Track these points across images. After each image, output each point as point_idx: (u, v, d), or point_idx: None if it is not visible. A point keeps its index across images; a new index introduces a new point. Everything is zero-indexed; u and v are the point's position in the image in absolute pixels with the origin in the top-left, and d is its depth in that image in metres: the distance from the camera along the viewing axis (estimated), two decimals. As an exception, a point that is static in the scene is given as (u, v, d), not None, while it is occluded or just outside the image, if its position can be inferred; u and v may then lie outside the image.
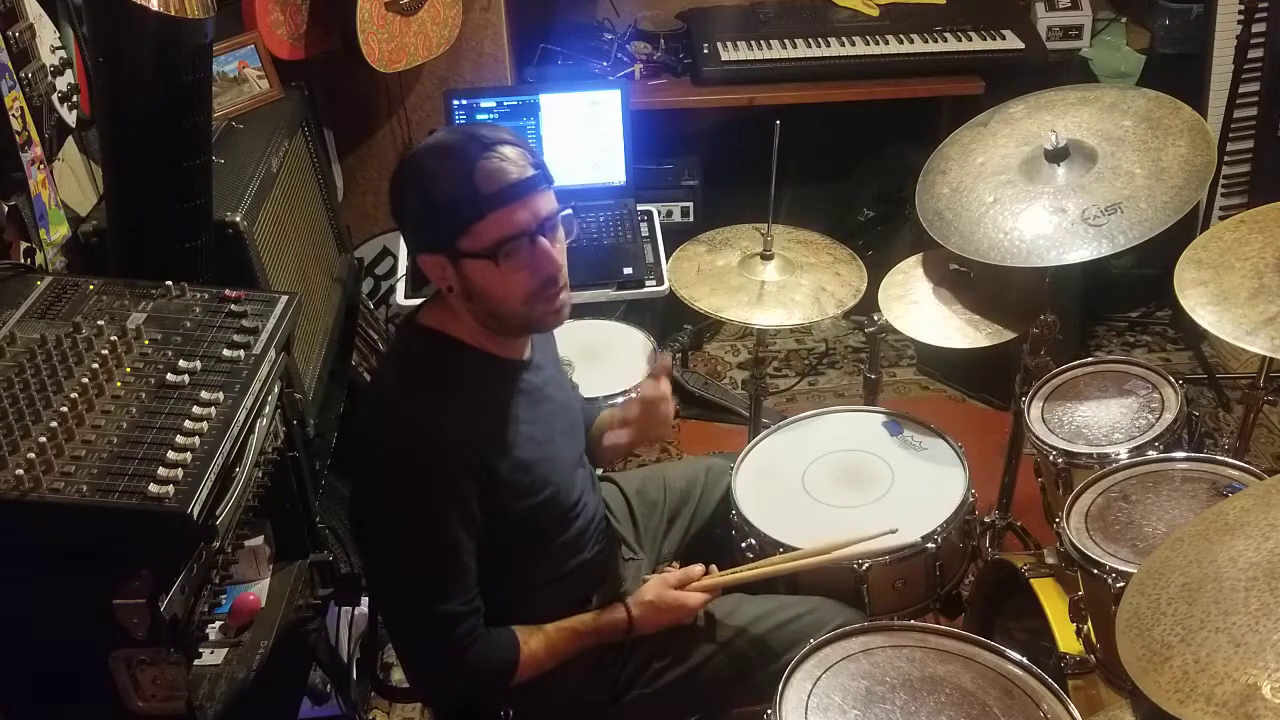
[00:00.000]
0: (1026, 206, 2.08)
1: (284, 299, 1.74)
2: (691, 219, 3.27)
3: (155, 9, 1.59)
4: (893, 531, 1.80)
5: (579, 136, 2.76)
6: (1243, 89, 3.14)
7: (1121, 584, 1.61)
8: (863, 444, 2.11)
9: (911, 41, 3.22)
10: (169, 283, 1.68)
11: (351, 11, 2.59)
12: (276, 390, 1.70)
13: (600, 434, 1.92)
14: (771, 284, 2.31)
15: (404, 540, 1.59)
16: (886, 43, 3.22)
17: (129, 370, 1.51)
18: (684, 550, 2.04)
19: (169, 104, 1.66)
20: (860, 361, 3.33)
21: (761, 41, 3.24)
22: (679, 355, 3.39)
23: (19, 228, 1.82)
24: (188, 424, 1.43)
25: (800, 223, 2.51)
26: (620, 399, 2.27)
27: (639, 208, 2.78)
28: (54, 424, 1.38)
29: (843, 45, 3.21)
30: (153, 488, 1.32)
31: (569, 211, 1.59)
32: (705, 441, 3.15)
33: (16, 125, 1.79)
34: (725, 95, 3.21)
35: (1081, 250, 1.99)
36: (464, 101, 2.73)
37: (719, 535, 2.02)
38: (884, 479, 2.02)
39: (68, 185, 2.00)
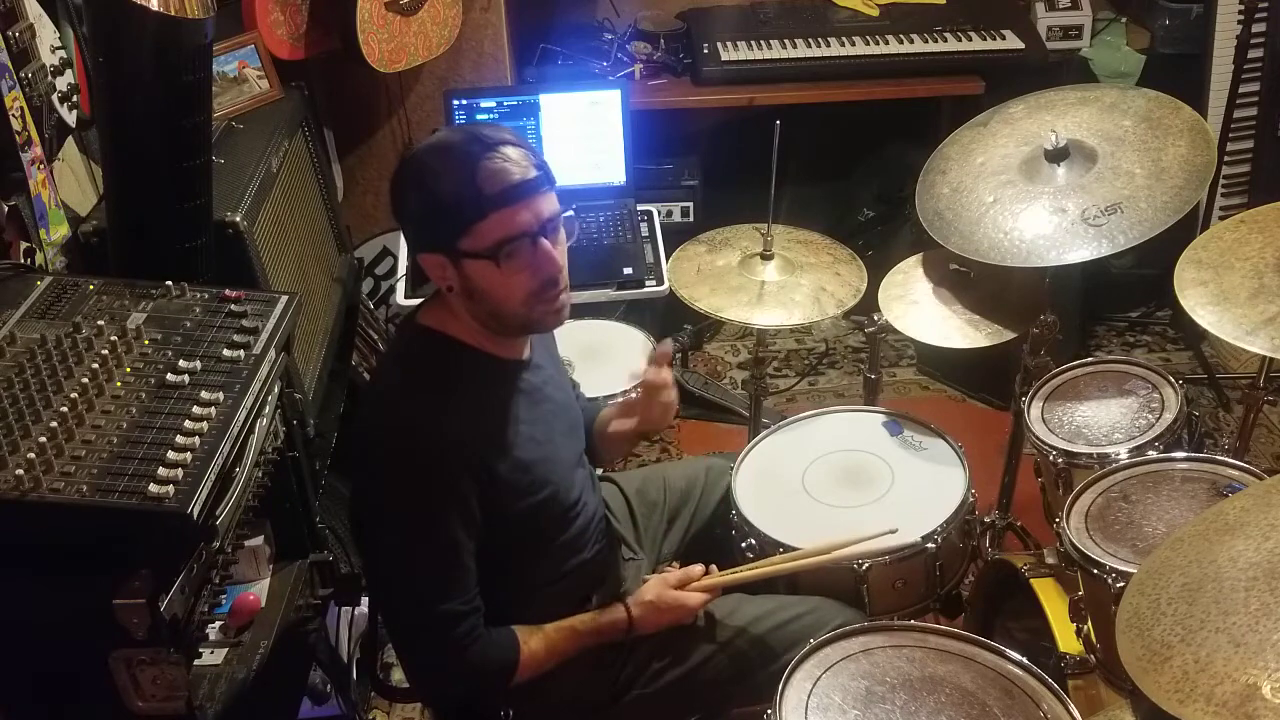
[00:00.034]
0: (1026, 206, 2.08)
1: (284, 299, 1.74)
2: (691, 219, 3.27)
3: (155, 9, 1.59)
4: (893, 531, 1.80)
5: (579, 136, 2.76)
6: (1243, 89, 3.14)
7: (1121, 584, 1.61)
8: (863, 444, 2.11)
9: (911, 41, 3.22)
10: (169, 283, 1.68)
11: (351, 11, 2.59)
12: (276, 390, 1.70)
13: (605, 426, 1.92)
14: (771, 284, 2.31)
15: (404, 540, 1.59)
16: (886, 43, 3.22)
17: (129, 370, 1.51)
18: (684, 550, 2.04)
19: (169, 104, 1.66)
20: (860, 361, 3.33)
21: (761, 41, 3.24)
22: (679, 355, 3.39)
23: (19, 228, 1.82)
24: (188, 424, 1.43)
25: (800, 223, 2.51)
26: (620, 399, 2.27)
27: (639, 208, 2.78)
28: (54, 424, 1.38)
29: (843, 45, 3.21)
30: (153, 488, 1.32)
31: (570, 213, 1.59)
32: (705, 441, 3.15)
33: (16, 125, 1.79)
34: (725, 95, 3.21)
35: (1081, 250, 1.99)
36: (464, 101, 2.73)
37: (719, 535, 2.02)
38: (884, 479, 2.02)
39: (68, 185, 2.00)
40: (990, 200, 2.12)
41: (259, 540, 1.88)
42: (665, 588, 1.76)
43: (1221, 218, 3.17)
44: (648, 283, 2.56)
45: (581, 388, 2.11)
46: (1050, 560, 1.97)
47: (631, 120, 2.77)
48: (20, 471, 1.30)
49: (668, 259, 2.49)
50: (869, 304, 2.34)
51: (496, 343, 1.65)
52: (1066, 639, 1.85)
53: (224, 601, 1.64)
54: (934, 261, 2.35)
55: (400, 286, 2.57)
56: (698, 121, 3.48)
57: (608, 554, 1.88)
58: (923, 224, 2.19)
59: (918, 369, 3.49)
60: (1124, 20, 3.42)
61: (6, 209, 1.78)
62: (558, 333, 1.78)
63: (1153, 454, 1.88)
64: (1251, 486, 1.53)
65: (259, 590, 1.87)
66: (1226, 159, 3.22)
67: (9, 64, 1.79)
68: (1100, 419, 2.03)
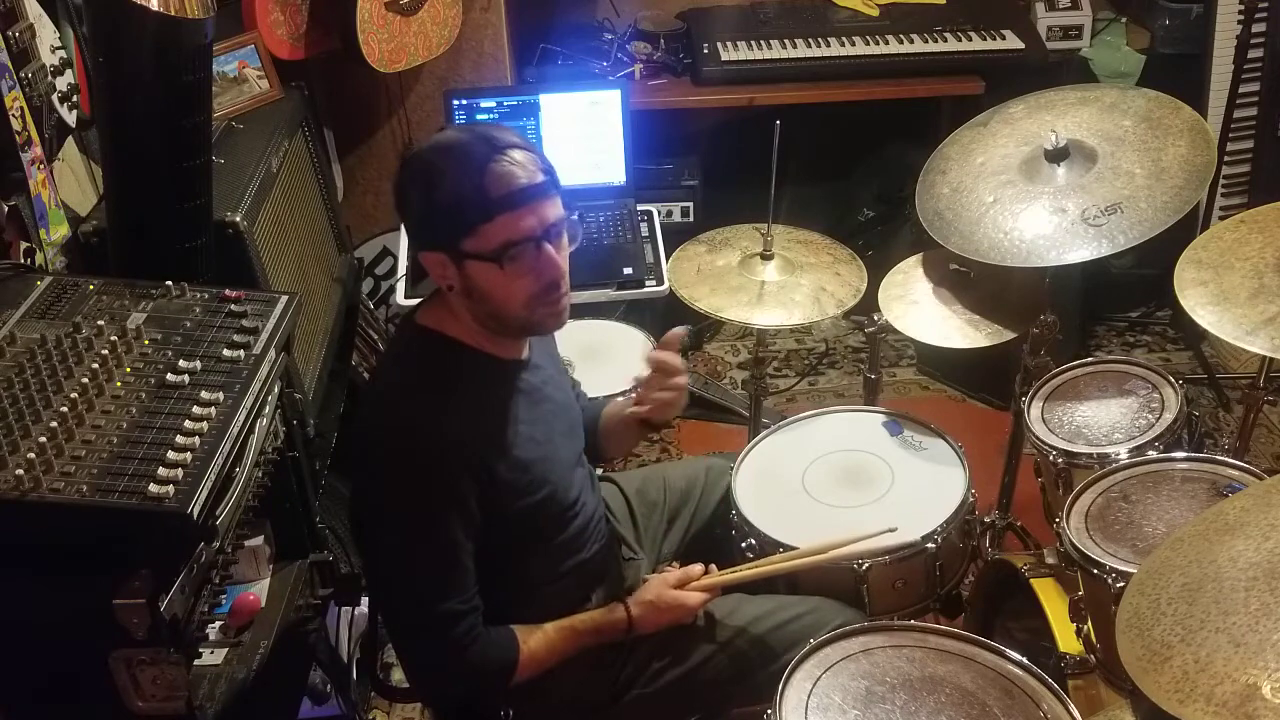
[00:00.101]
0: (1026, 206, 2.08)
1: (284, 299, 1.74)
2: (691, 219, 3.27)
3: (155, 9, 1.59)
4: (892, 530, 1.80)
5: (579, 136, 2.76)
6: (1243, 89, 3.14)
7: (1121, 584, 1.61)
8: (863, 444, 2.11)
9: (911, 41, 3.22)
10: (169, 283, 1.68)
11: (351, 11, 2.59)
12: (276, 390, 1.70)
13: (610, 421, 1.92)
14: (771, 284, 2.31)
15: (404, 540, 1.59)
16: (886, 43, 3.22)
17: (129, 370, 1.51)
18: (684, 550, 2.04)
19: (169, 104, 1.66)
20: (860, 361, 3.33)
21: (761, 41, 3.24)
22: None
23: (19, 228, 1.82)
24: (188, 424, 1.43)
25: (800, 223, 2.51)
26: (619, 399, 2.27)
27: (639, 208, 2.78)
28: (54, 424, 1.38)
29: (843, 45, 3.21)
30: (153, 488, 1.32)
31: (575, 217, 1.59)
32: (705, 441, 3.15)
33: (16, 125, 1.79)
34: (725, 95, 3.21)
35: (1081, 250, 1.99)
36: (464, 101, 2.73)
37: (719, 535, 2.02)
38: (884, 479, 2.02)
39: (68, 185, 2.00)
40: (990, 200, 2.12)
41: (259, 540, 1.88)
42: (665, 587, 1.75)
43: (1221, 218, 3.17)
44: (648, 283, 2.56)
45: (582, 387, 2.11)
46: (1050, 560, 1.97)
47: (631, 120, 2.77)
48: (20, 471, 1.30)
49: (668, 259, 2.48)
50: (869, 304, 2.34)
51: (496, 343, 1.65)
52: (1066, 639, 1.85)
53: (224, 601, 1.64)
54: (934, 261, 2.35)
55: (400, 286, 2.57)
56: (698, 121, 3.48)
57: (607, 554, 1.88)
58: (923, 224, 2.19)
59: (918, 369, 3.49)
60: (1124, 20, 3.42)
61: (6, 209, 1.78)
62: (558, 333, 1.78)
63: (1153, 454, 1.88)
64: (1251, 486, 1.53)
65: (259, 590, 1.87)
66: (1226, 159, 3.22)
67: (9, 64, 1.79)
68: (1100, 419, 2.03)
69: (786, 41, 3.23)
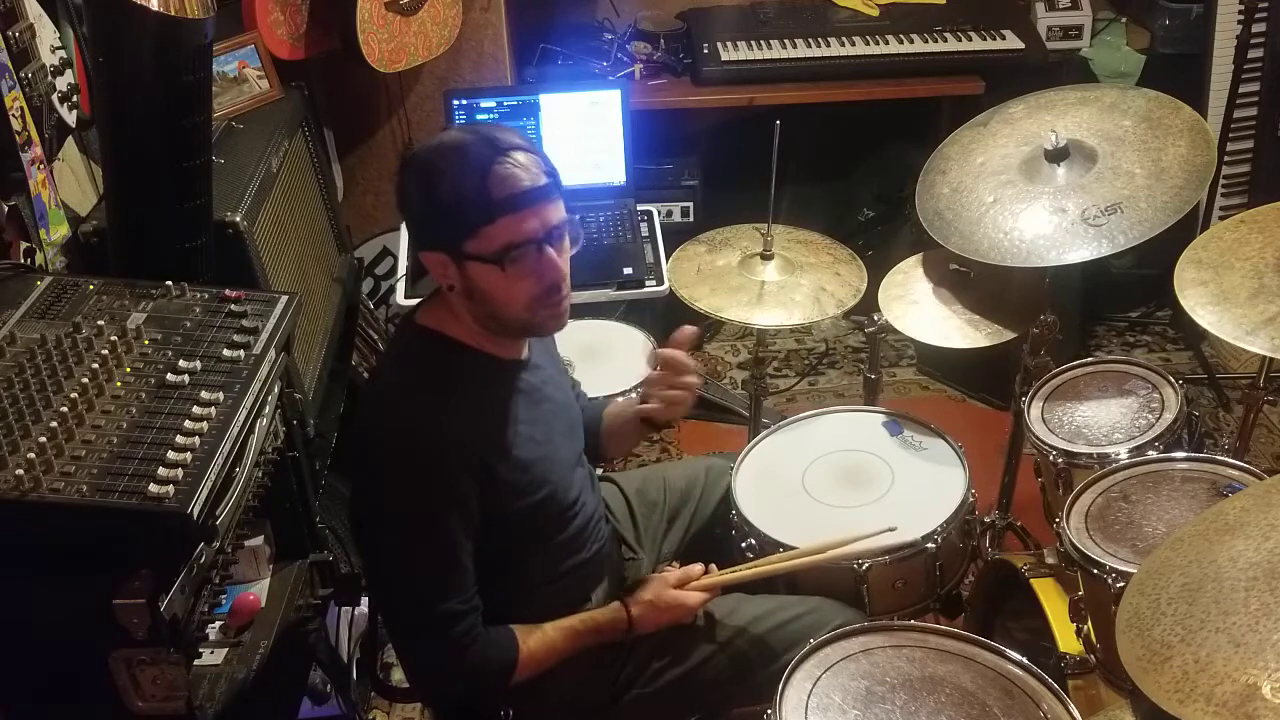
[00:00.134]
0: (1026, 206, 2.08)
1: (284, 299, 1.74)
2: (691, 219, 3.27)
3: (155, 9, 1.59)
4: (892, 530, 1.80)
5: (579, 136, 2.76)
6: (1243, 89, 3.14)
7: (1121, 584, 1.61)
8: (863, 444, 2.11)
9: (911, 41, 3.22)
10: (169, 283, 1.68)
11: (351, 11, 2.59)
12: (276, 390, 1.70)
13: (613, 420, 1.92)
14: (771, 284, 2.31)
15: (404, 540, 1.59)
16: (886, 43, 3.22)
17: (129, 370, 1.51)
18: (684, 550, 2.04)
19: (169, 104, 1.66)
20: (860, 361, 3.33)
21: (761, 41, 3.24)
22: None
23: (19, 228, 1.82)
24: (188, 424, 1.43)
25: (800, 223, 2.51)
26: (620, 399, 2.27)
27: (639, 208, 2.78)
28: (54, 424, 1.38)
29: (843, 45, 3.21)
30: (153, 488, 1.32)
31: (576, 219, 1.59)
32: (705, 441, 3.15)
33: (16, 125, 1.79)
34: (725, 95, 3.21)
35: (1081, 250, 1.99)
36: (464, 101, 2.73)
37: (719, 535, 2.02)
38: (884, 479, 2.02)
39: (68, 185, 2.00)
40: (990, 200, 2.12)
41: (259, 540, 1.88)
42: (665, 587, 1.75)
43: (1221, 218, 3.17)
44: (648, 283, 2.56)
45: (582, 387, 2.11)
46: (1050, 560, 1.97)
47: (631, 120, 2.77)
48: (20, 471, 1.30)
49: (668, 259, 2.48)
50: (869, 304, 2.34)
51: (495, 343, 1.65)
52: (1066, 639, 1.85)
53: (224, 601, 1.64)
54: (934, 261, 2.35)
55: (400, 286, 2.56)
56: (698, 121, 3.48)
57: (607, 553, 1.88)
58: (923, 224, 2.19)
59: (918, 369, 3.49)
60: (1124, 20, 3.42)
61: (6, 209, 1.78)
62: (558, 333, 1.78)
63: (1153, 454, 1.88)
64: (1251, 486, 1.53)
65: (259, 590, 1.87)
66: (1226, 159, 3.22)
67: (9, 64, 1.79)
68: (1100, 419, 2.03)
69: (786, 41, 3.23)
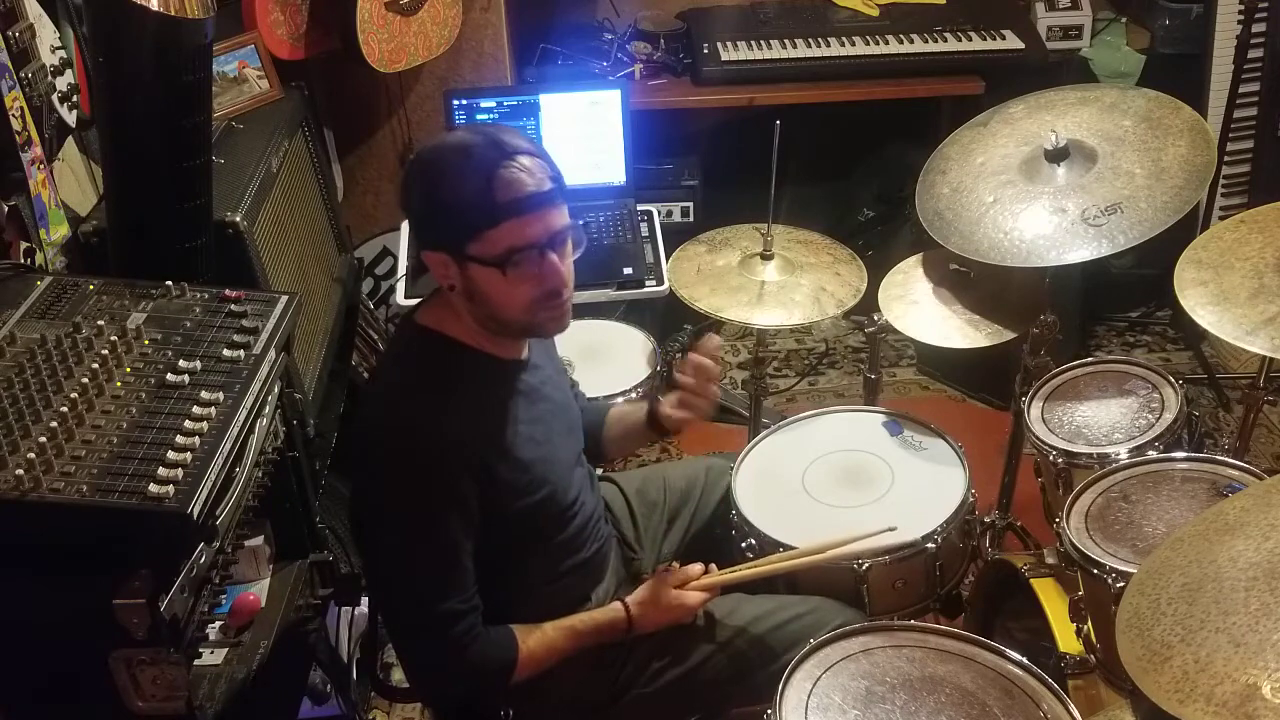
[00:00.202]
0: (1026, 206, 2.08)
1: (284, 299, 1.74)
2: (691, 219, 3.27)
3: (155, 9, 1.59)
4: (892, 529, 1.80)
5: (579, 136, 2.76)
6: (1243, 89, 3.14)
7: (1121, 584, 1.61)
8: (863, 444, 2.11)
9: (911, 41, 3.22)
10: (169, 283, 1.68)
11: (351, 11, 2.59)
12: (276, 390, 1.70)
13: (618, 422, 1.93)
14: (771, 284, 2.31)
15: (404, 540, 1.59)
16: (886, 43, 3.22)
17: (129, 370, 1.51)
18: (684, 550, 2.04)
19: (169, 104, 1.66)
20: (860, 361, 3.33)
21: (761, 41, 3.24)
22: (679, 355, 3.39)
23: (19, 228, 1.82)
24: (188, 424, 1.43)
25: (800, 223, 2.51)
26: (620, 399, 2.28)
27: (639, 208, 2.78)
28: (54, 424, 1.38)
29: (843, 45, 3.21)
30: (153, 488, 1.32)
31: (580, 224, 1.60)
32: (705, 441, 3.15)
33: (16, 125, 1.79)
34: (725, 95, 3.21)
35: (1081, 250, 1.99)
36: (464, 101, 2.73)
37: (719, 535, 2.02)
38: (884, 479, 2.02)
39: (68, 185, 2.00)
40: (990, 200, 2.12)
41: (259, 540, 1.88)
42: (664, 587, 1.75)
43: (1221, 218, 3.17)
44: (648, 283, 2.56)
45: (581, 387, 2.11)
46: (1050, 560, 1.97)
47: (631, 120, 2.77)
48: (20, 471, 1.30)
49: (668, 259, 2.48)
50: (869, 304, 2.34)
51: (495, 343, 1.65)
52: (1066, 639, 1.85)
53: (224, 601, 1.64)
54: (934, 261, 2.35)
55: (400, 286, 2.56)
56: (698, 121, 3.48)
57: (607, 553, 1.88)
58: (923, 224, 2.19)
59: (918, 369, 3.49)
60: (1124, 20, 3.42)
61: (6, 209, 1.78)
62: (558, 333, 1.78)
63: (1153, 454, 1.88)
64: (1251, 486, 1.53)
65: (259, 590, 1.87)
66: (1226, 159, 3.22)
67: (9, 64, 1.79)
68: (1100, 419, 2.03)
69: (786, 41, 3.23)
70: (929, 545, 1.87)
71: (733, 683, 1.78)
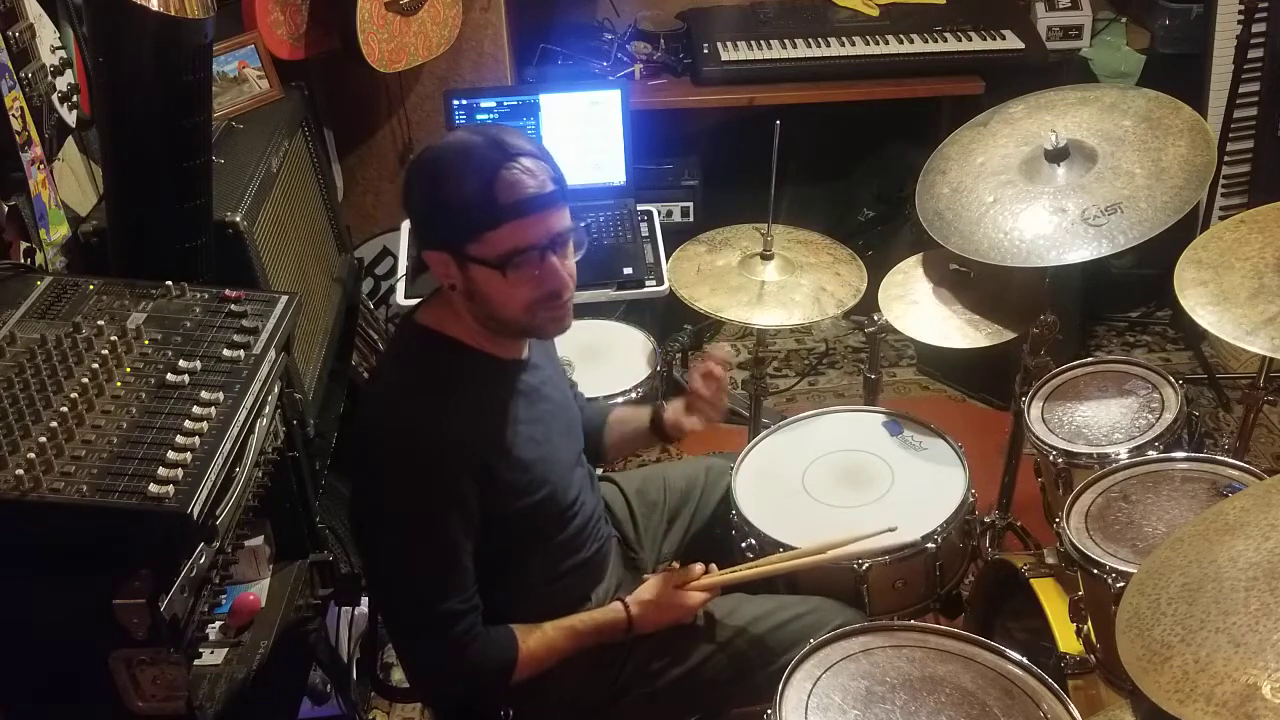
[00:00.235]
0: (1026, 206, 2.08)
1: (284, 299, 1.74)
2: (691, 219, 3.26)
3: (155, 9, 1.59)
4: (892, 529, 1.80)
5: (579, 136, 2.76)
6: (1243, 89, 3.14)
7: (1121, 584, 1.61)
8: (863, 444, 2.11)
9: (911, 41, 3.22)
10: (169, 283, 1.68)
11: (351, 11, 2.59)
12: (276, 390, 1.70)
13: (620, 425, 1.95)
14: (771, 284, 2.31)
15: (404, 540, 1.59)
16: (886, 43, 3.22)
17: (129, 370, 1.51)
18: (684, 550, 2.04)
19: (169, 104, 1.66)
20: (860, 361, 3.33)
21: (761, 41, 3.24)
22: (679, 355, 3.39)
23: (19, 228, 1.82)
24: (188, 424, 1.43)
25: (800, 223, 2.51)
26: (620, 399, 2.28)
27: (639, 208, 2.78)
28: (54, 424, 1.38)
29: (843, 45, 3.21)
30: (153, 488, 1.32)
31: (581, 225, 1.60)
32: (705, 441, 3.13)
33: (16, 125, 1.79)
34: (725, 95, 3.21)
35: (1081, 250, 1.99)
36: (464, 101, 2.73)
37: (719, 535, 2.02)
38: (884, 479, 2.02)
39: (68, 185, 2.00)
40: (990, 200, 2.12)
41: (259, 540, 1.88)
42: (665, 587, 1.76)
43: (1221, 218, 3.17)
44: (648, 283, 2.56)
45: (581, 388, 2.11)
46: (1050, 560, 1.97)
47: (631, 120, 2.77)
48: (20, 471, 1.30)
49: (668, 259, 2.48)
50: (869, 304, 2.34)
51: (495, 343, 1.65)
52: (1066, 639, 1.85)
53: (224, 601, 1.64)
54: (934, 261, 2.35)
55: (400, 286, 2.57)
56: (698, 121, 3.48)
57: (607, 553, 1.88)
58: (923, 224, 2.19)
59: (918, 369, 3.49)
60: (1124, 20, 3.42)
61: (6, 209, 1.78)
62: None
63: (1153, 454, 1.88)
64: (1251, 486, 1.53)
65: (259, 590, 1.87)
66: (1226, 159, 3.22)
67: (9, 64, 1.79)
68: (1100, 419, 2.03)
69: (786, 41, 3.23)
70: (929, 545, 1.87)
71: (733, 683, 1.78)
